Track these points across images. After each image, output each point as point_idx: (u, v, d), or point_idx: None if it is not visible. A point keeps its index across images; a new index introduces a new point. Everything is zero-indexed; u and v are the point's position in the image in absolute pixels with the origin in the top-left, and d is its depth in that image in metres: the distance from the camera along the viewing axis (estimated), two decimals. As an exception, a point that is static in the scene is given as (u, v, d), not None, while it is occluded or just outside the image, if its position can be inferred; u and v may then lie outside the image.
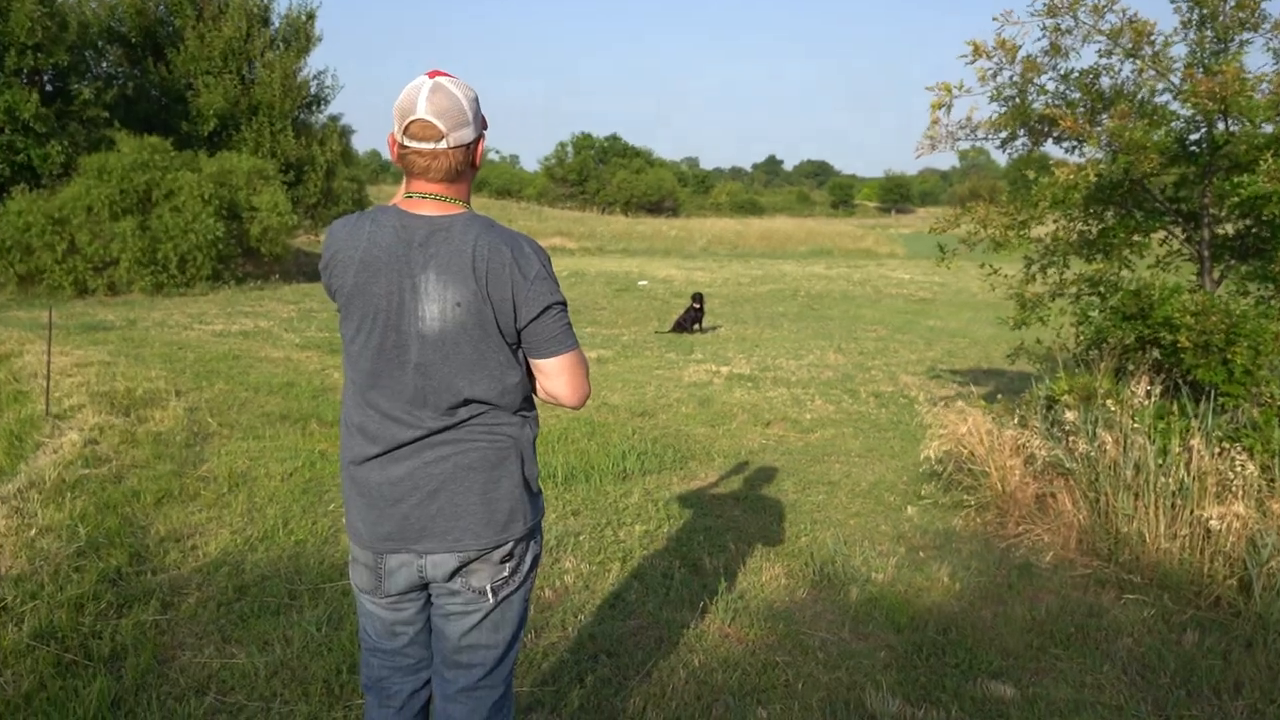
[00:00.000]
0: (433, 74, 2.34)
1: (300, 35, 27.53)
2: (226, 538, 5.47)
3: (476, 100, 2.40)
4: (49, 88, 22.46)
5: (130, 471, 6.70)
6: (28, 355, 11.48)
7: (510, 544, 2.50)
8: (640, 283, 22.57)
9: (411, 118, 2.27)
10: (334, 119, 28.67)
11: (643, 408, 9.20)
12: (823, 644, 4.26)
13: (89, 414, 8.22)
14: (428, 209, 2.34)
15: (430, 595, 2.60)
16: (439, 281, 2.30)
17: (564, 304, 2.45)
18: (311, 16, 27.90)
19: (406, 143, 2.30)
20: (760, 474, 6.97)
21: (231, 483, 6.49)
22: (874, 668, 4.06)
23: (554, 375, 2.46)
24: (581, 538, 5.54)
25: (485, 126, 2.47)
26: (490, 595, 2.50)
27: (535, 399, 2.59)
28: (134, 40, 25.40)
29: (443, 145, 2.29)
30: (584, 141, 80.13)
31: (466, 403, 2.41)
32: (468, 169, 2.41)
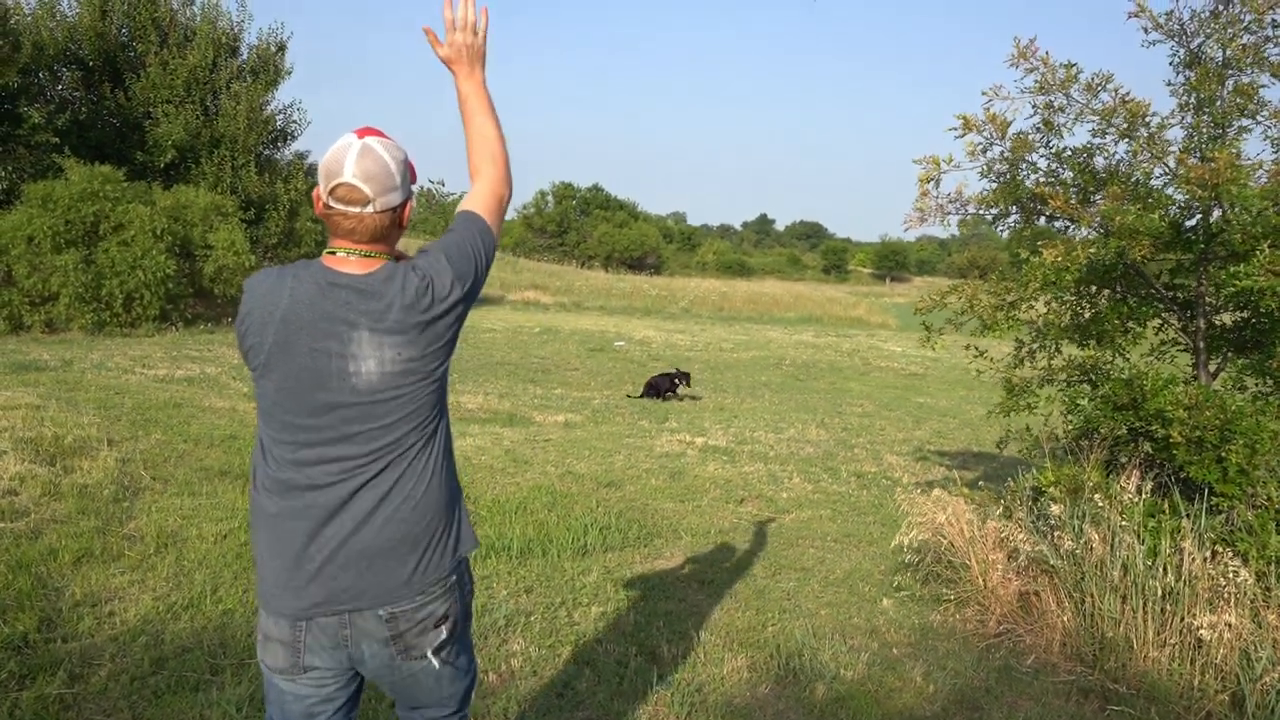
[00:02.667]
0: (362, 133, 2.40)
1: (269, 67, 27.69)
2: (148, 604, 5.38)
3: (406, 161, 2.48)
4: (-1, 109, 22.49)
5: (50, 527, 6.60)
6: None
7: (447, 604, 2.56)
8: (617, 343, 22.62)
9: (338, 180, 2.32)
10: (300, 155, 28.83)
11: (610, 478, 9.17)
12: (782, 748, 4.24)
13: (10, 461, 8.10)
14: (352, 266, 2.40)
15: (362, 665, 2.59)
16: (373, 340, 2.37)
17: (479, 235, 2.63)
18: (283, 48, 28.14)
19: (332, 204, 2.35)
20: (729, 555, 6.93)
21: (160, 543, 6.40)
22: (837, 776, 4.04)
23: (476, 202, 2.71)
24: (533, 618, 5.47)
25: (415, 182, 2.56)
26: (434, 658, 2.55)
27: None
28: (92, 64, 25.48)
29: (369, 210, 2.35)
30: (565, 191, 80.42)
31: (396, 446, 2.46)
32: (393, 229, 2.47)
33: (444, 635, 2.55)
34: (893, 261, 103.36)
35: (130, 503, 7.35)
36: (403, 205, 2.48)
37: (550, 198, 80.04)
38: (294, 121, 28.70)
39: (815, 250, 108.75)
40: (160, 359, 15.83)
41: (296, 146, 28.84)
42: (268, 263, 26.38)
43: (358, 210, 2.35)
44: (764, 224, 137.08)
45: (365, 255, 2.41)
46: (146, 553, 6.22)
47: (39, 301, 19.44)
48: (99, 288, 19.64)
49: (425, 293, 2.40)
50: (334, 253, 2.42)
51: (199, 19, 26.84)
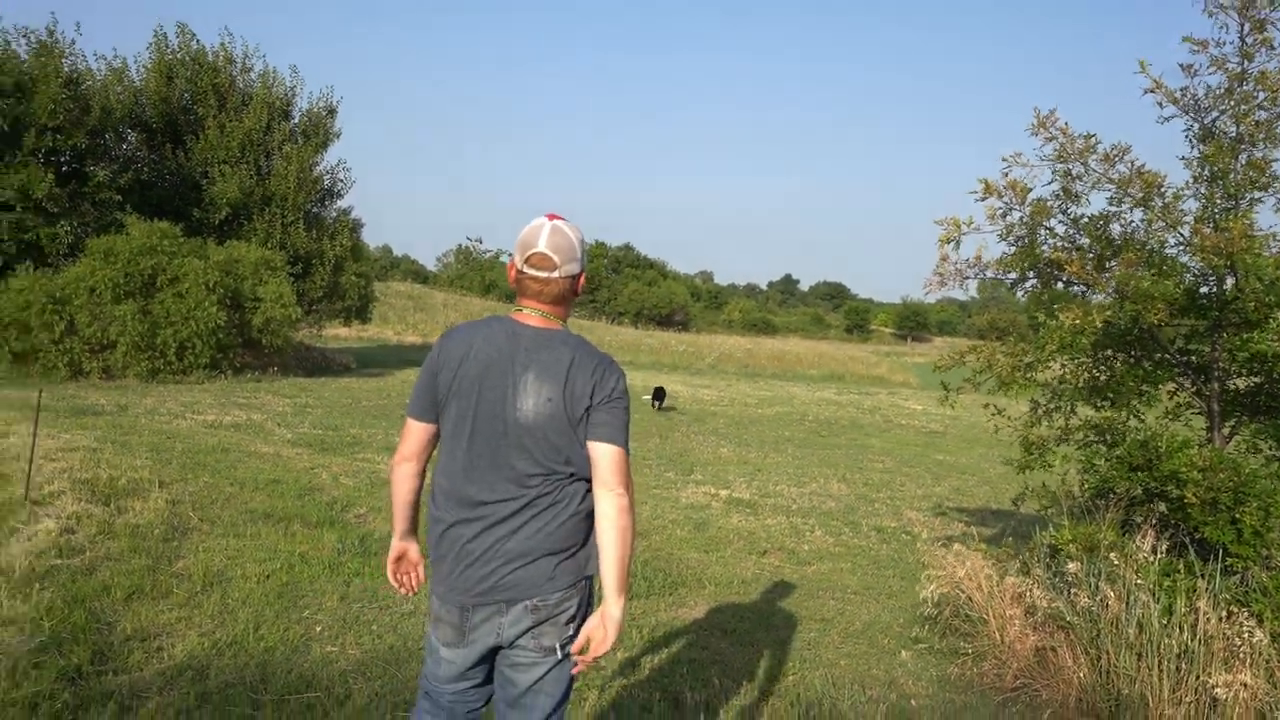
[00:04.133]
0: (551, 216, 2.90)
1: (320, 130, 28.05)
2: (194, 640, 5.39)
3: (583, 240, 2.96)
4: (65, 168, 22.84)
5: (104, 564, 6.63)
6: (13, 436, 11.48)
7: (575, 605, 2.91)
8: (644, 396, 22.56)
9: (533, 250, 2.83)
10: (345, 212, 29.00)
11: (637, 528, 9.14)
12: (804, 795, 4.19)
13: (68, 501, 8.18)
14: (535, 321, 2.88)
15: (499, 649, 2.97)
16: (537, 379, 2.79)
17: (627, 410, 2.88)
18: (333, 112, 28.48)
19: (525, 270, 2.86)
20: (752, 606, 6.88)
21: (206, 582, 6.42)
22: (856, 824, 3.98)
23: (601, 461, 2.79)
24: (563, 664, 5.47)
25: (585, 263, 2.99)
26: (558, 651, 2.88)
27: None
28: (155, 126, 25.90)
29: (555, 275, 2.85)
30: (597, 250, 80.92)
31: (550, 476, 2.82)
32: (570, 294, 2.95)
33: (570, 633, 2.88)
34: (914, 322, 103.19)
35: (179, 542, 7.39)
36: (579, 275, 2.95)
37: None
38: (340, 180, 28.98)
39: (838, 310, 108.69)
40: (209, 405, 15.96)
41: (341, 204, 29.03)
42: (313, 315, 26.61)
43: (545, 275, 2.85)
44: (789, 284, 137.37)
45: (545, 315, 2.90)
46: (194, 590, 6.25)
47: (98, 349, 19.67)
48: (154, 337, 19.85)
49: (591, 376, 2.80)
50: (521, 310, 2.92)
51: (256, 85, 27.28)
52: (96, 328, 19.59)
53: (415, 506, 3.15)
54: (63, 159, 22.74)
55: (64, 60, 22.82)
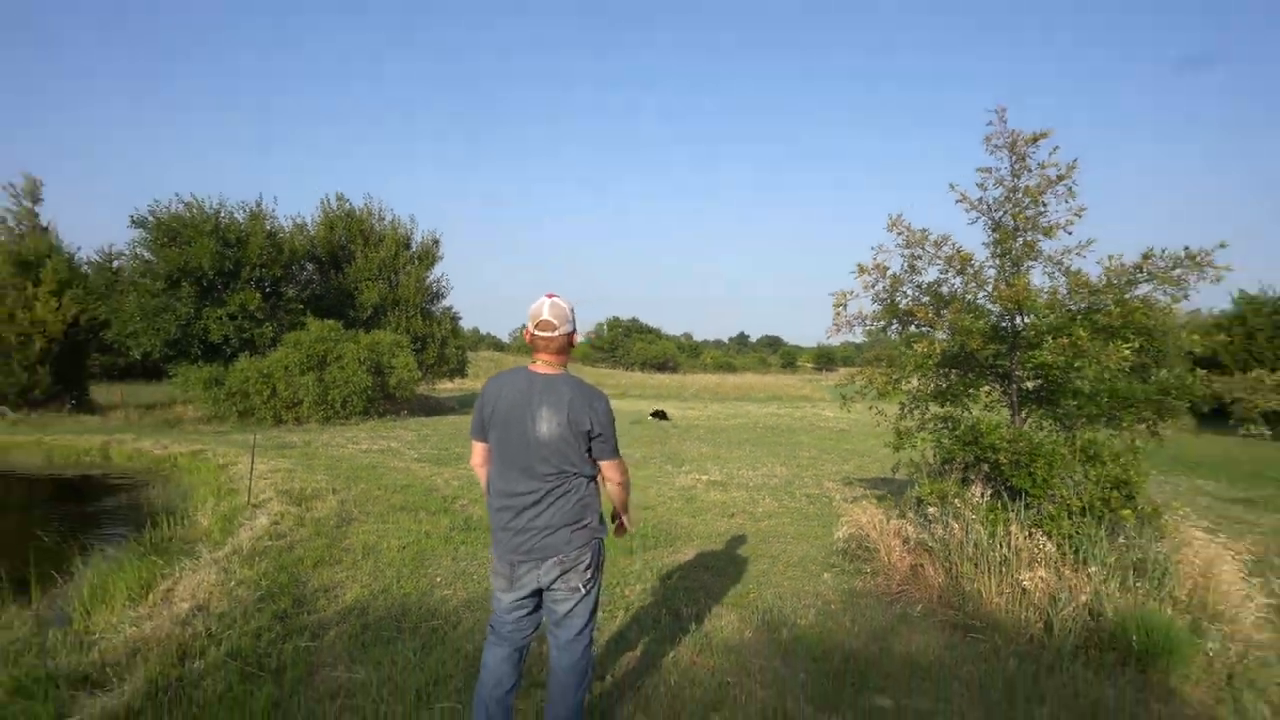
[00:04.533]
0: (549, 295, 3.01)
1: (429, 255, 28.41)
2: (357, 590, 5.46)
3: (573, 309, 3.07)
4: (268, 289, 23.14)
5: (298, 543, 6.71)
6: (240, 464, 11.64)
7: (589, 557, 3.04)
8: (648, 415, 22.60)
9: (540, 318, 2.98)
10: (448, 308, 29.23)
11: (646, 503, 9.16)
12: (761, 669, 4.21)
13: (275, 504, 8.27)
14: (544, 369, 3.02)
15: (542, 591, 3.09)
16: (548, 410, 2.93)
17: (613, 427, 3.06)
18: (437, 241, 28.86)
19: (536, 332, 2.99)
20: (725, 550, 6.90)
21: (364, 552, 6.48)
22: (796, 686, 4.01)
23: (607, 470, 3.11)
24: (602, 595, 5.49)
25: (576, 325, 3.10)
26: (582, 589, 3.05)
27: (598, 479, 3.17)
28: (323, 259, 26.31)
29: (556, 334, 2.98)
30: (615, 324, 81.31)
31: (561, 474, 2.96)
32: (567, 347, 3.06)
33: (588, 576, 3.04)
34: (826, 358, 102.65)
35: (346, 527, 7.45)
36: (572, 333, 3.05)
37: (605, 327, 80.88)
38: (443, 287, 29.25)
39: (776, 353, 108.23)
40: (363, 438, 16.02)
41: (445, 303, 29.23)
42: (428, 375, 26.72)
43: (549, 335, 2.97)
44: (742, 338, 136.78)
45: (550, 364, 3.03)
46: (356, 558, 6.31)
47: (291, 405, 19.81)
48: (326, 395, 19.98)
49: (585, 405, 2.96)
50: (535, 362, 3.04)
51: (387, 228, 27.67)
52: (289, 391, 19.75)
53: None
54: (266, 284, 23.05)
55: (266, 221, 23.21)
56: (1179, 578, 4.85)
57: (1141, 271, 5.38)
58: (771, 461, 13.72)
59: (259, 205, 23.26)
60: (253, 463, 9.76)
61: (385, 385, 21.85)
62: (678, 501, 9.41)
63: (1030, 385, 6.09)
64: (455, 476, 10.81)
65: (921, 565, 5.54)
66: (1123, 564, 4.88)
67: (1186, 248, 5.23)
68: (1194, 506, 8.76)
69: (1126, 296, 5.40)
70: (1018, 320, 5.88)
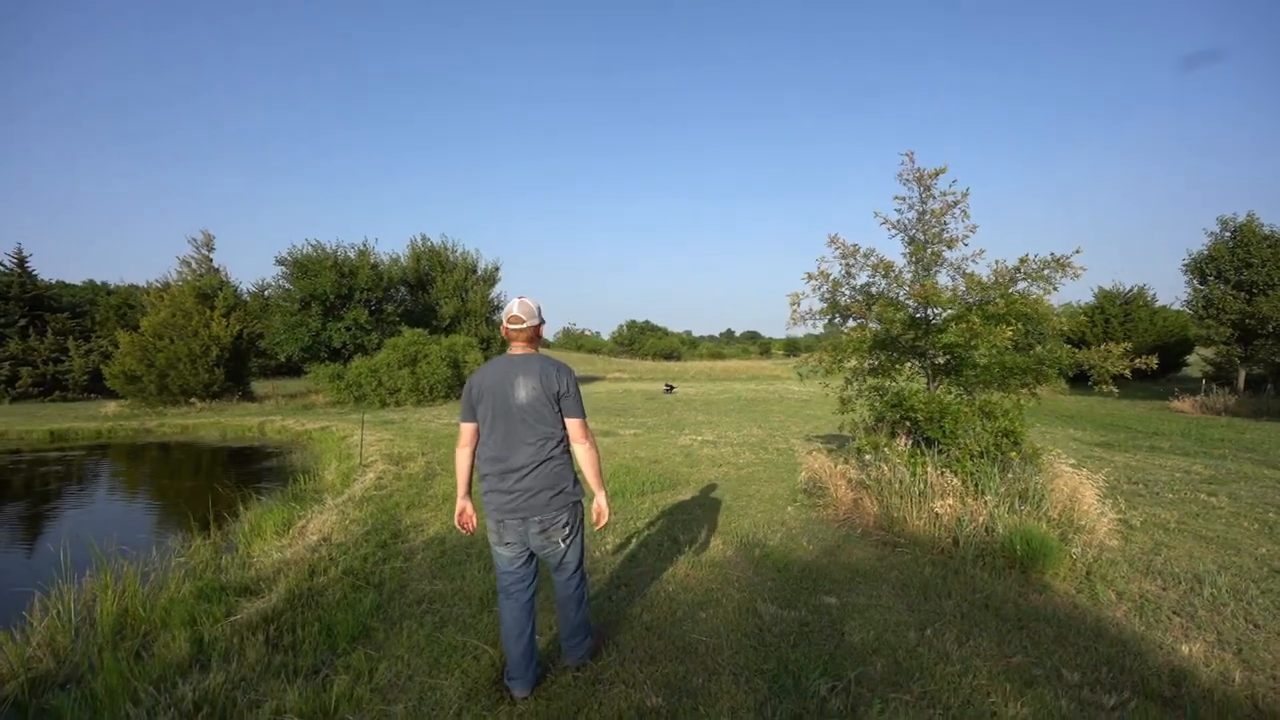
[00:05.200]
0: (519, 298, 2.78)
1: (492, 275, 28.47)
2: (439, 526, 5.50)
3: (540, 307, 2.79)
4: (372, 308, 23.31)
5: (395, 493, 6.77)
6: (354, 436, 11.72)
7: (566, 516, 2.74)
8: (663, 388, 22.54)
9: (511, 314, 2.75)
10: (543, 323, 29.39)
11: (654, 458, 9.16)
12: (738, 579, 4.21)
13: (379, 464, 8.35)
14: (519, 352, 2.76)
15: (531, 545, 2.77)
16: (524, 379, 2.67)
17: (579, 393, 2.75)
18: (498, 268, 28.91)
19: (509, 325, 2.75)
20: (714, 492, 6.90)
21: (443, 499, 6.52)
22: (764, 590, 4.01)
23: (573, 428, 2.72)
24: (617, 526, 5.50)
25: (542, 318, 2.81)
26: (562, 543, 2.76)
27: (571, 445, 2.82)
28: (411, 283, 26.46)
29: (525, 325, 2.74)
30: (633, 325, 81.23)
31: (541, 441, 2.65)
32: (536, 336, 2.80)
33: (566, 532, 2.75)
34: (793, 346, 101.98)
35: (430, 480, 7.51)
36: (539, 325, 2.78)
37: (625, 327, 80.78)
38: (503, 300, 29.31)
39: (756, 344, 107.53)
40: (444, 415, 16.11)
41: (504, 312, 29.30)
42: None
43: (519, 326, 2.73)
44: (729, 333, 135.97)
45: (524, 349, 2.76)
46: (438, 503, 6.36)
47: (392, 392, 19.93)
48: (418, 384, 20.11)
49: (555, 376, 2.70)
50: (512, 348, 2.77)
51: (459, 258, 27.75)
52: (391, 382, 19.89)
53: (470, 477, 2.85)
54: (371, 303, 23.21)
55: (370, 256, 23.36)
56: (1052, 502, 4.80)
57: (1020, 272, 5.30)
58: (751, 425, 13.66)
59: (365, 244, 23.45)
60: (363, 435, 9.87)
61: (460, 375, 21.99)
62: (679, 456, 9.40)
63: (940, 361, 6.02)
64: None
65: (861, 499, 5.51)
66: (1011, 493, 4.84)
67: (1052, 253, 5.17)
68: (1064, 448, 8.68)
69: (1010, 291, 5.32)
70: (929, 312, 5.81)
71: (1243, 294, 19.52)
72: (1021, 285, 5.36)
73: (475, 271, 28.20)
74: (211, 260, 25.89)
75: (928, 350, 5.93)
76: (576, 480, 2.80)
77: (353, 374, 19.89)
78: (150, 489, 9.29)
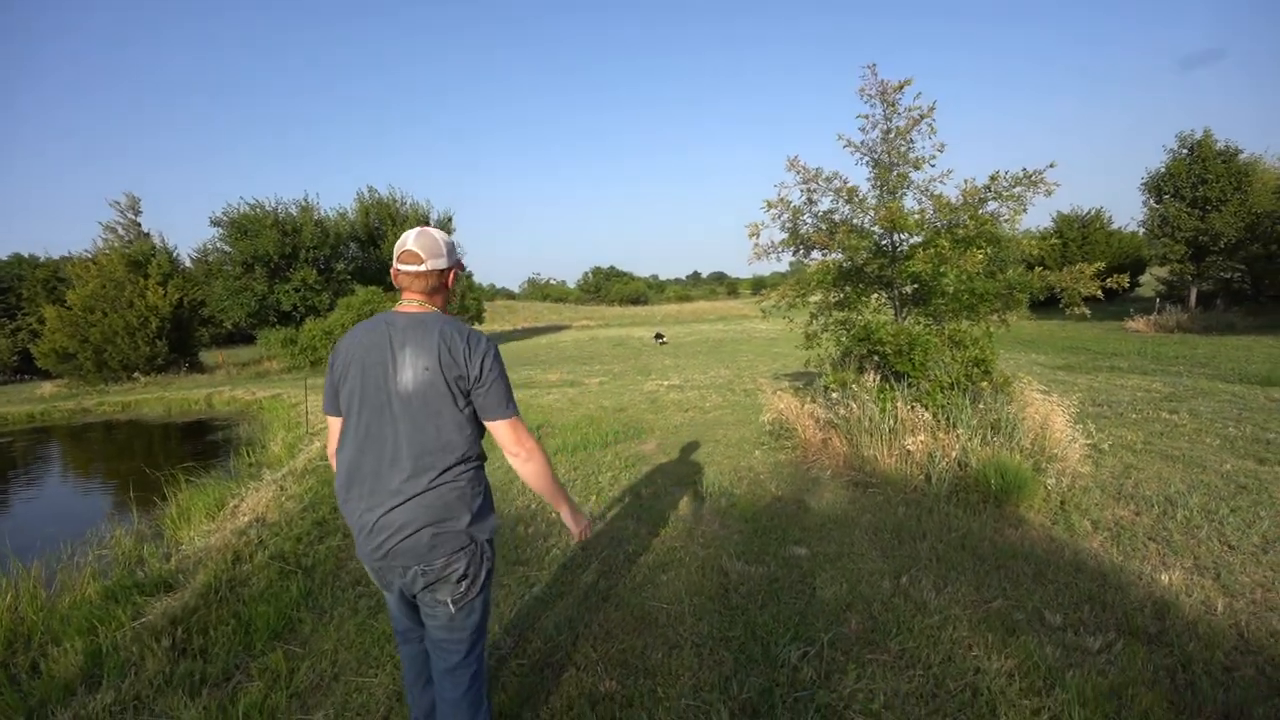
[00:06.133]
0: (421, 228, 1.82)
1: (445, 227, 27.34)
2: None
3: (451, 244, 1.85)
4: (321, 266, 22.22)
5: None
6: (302, 404, 11.16)
7: (462, 566, 1.73)
8: (653, 338, 22.16)
9: (403, 248, 1.77)
10: (462, 268, 28.46)
11: (619, 407, 8.87)
12: (703, 534, 3.94)
13: (326, 430, 7.89)
14: (410, 309, 1.77)
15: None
16: (413, 352, 1.69)
17: (503, 377, 1.77)
18: (450, 218, 27.76)
19: (399, 266, 1.78)
20: (678, 438, 6.62)
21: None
22: (730, 545, 3.74)
23: (500, 434, 1.76)
24: (577, 483, 5.19)
25: (458, 262, 1.87)
26: (451, 604, 1.75)
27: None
28: (362, 238, 25.21)
29: (423, 268, 1.76)
30: (598, 271, 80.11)
31: (432, 452, 1.68)
32: (441, 288, 1.83)
33: (461, 590, 1.76)
34: (760, 285, 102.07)
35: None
36: (448, 270, 1.82)
37: (591, 274, 79.67)
38: (460, 251, 28.32)
39: (722, 284, 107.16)
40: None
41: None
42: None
43: (414, 269, 1.76)
44: (696, 276, 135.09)
45: (421, 304, 1.78)
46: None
47: (348, 355, 19.29)
48: (376, 344, 19.46)
49: (462, 348, 1.71)
50: (400, 302, 1.80)
51: (409, 210, 26.49)
52: (347, 344, 19.22)
53: None
54: (320, 262, 22.11)
55: (314, 212, 22.09)
56: (1024, 431, 4.62)
57: (990, 190, 4.96)
58: (718, 367, 13.44)
59: (306, 200, 22.16)
60: (307, 400, 9.33)
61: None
62: (644, 403, 9.11)
63: (908, 290, 5.73)
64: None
65: (829, 439, 5.27)
66: (983, 425, 4.64)
67: (1024, 168, 4.82)
68: (1030, 374, 8.61)
69: (980, 212, 4.99)
70: (896, 238, 5.48)
71: (1196, 211, 19.73)
72: (992, 206, 5.03)
73: (428, 222, 26.99)
74: (140, 225, 24.18)
75: (895, 280, 5.62)
76: (486, 507, 1.79)
77: (305, 337, 19.04)
78: (82, 473, 8.69)
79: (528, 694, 2.45)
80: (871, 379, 5.31)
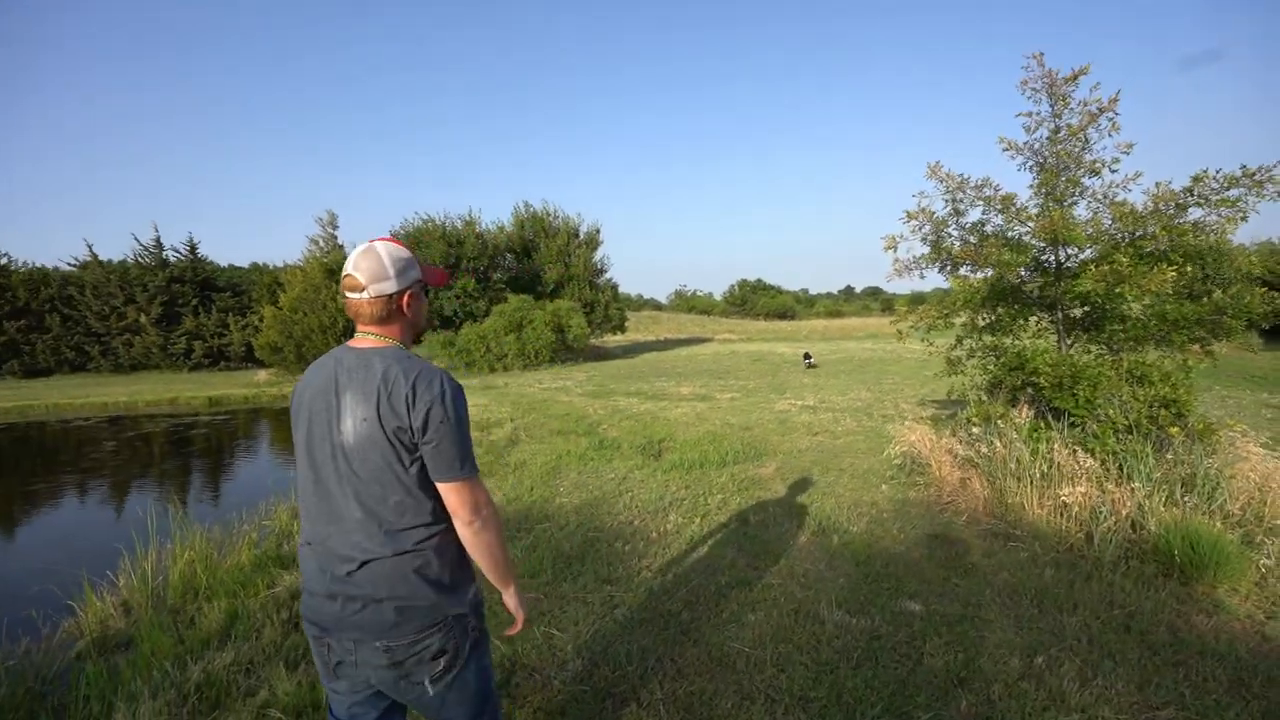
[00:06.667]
0: (373, 240, 1.52)
1: (593, 241, 28.44)
2: (499, 497, 5.34)
3: (405, 260, 1.53)
4: (479, 275, 24.17)
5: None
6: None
7: (437, 641, 1.45)
8: (802, 357, 21.56)
9: (344, 273, 1.51)
10: (609, 279, 29.35)
11: (746, 425, 8.59)
12: (805, 573, 3.64)
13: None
14: (364, 344, 1.51)
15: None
16: (353, 400, 1.43)
17: (458, 429, 1.43)
18: (598, 230, 28.84)
19: (344, 294, 1.53)
20: (800, 464, 6.24)
21: (515, 467, 6.41)
22: (833, 589, 3.41)
23: (449, 498, 1.44)
24: (685, 502, 5.04)
25: (416, 281, 1.55)
26: (430, 685, 1.46)
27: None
28: (517, 250, 27.01)
29: (365, 295, 1.49)
30: (744, 284, 79.34)
31: (385, 514, 1.42)
32: (396, 314, 1.53)
33: (439, 668, 1.47)
34: (919, 302, 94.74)
35: (512, 448, 7.46)
36: (399, 294, 1.51)
37: (737, 287, 79.07)
38: (605, 264, 29.28)
39: (876, 300, 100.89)
40: (546, 380, 16.37)
41: (606, 275, 29.22)
42: (595, 331, 26.91)
43: (356, 296, 1.50)
44: (849, 290, 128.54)
45: (375, 336, 1.52)
46: (507, 472, 6.23)
47: (499, 357, 20.67)
48: (523, 349, 20.65)
49: (405, 389, 1.41)
50: (357, 335, 1.54)
51: (561, 223, 27.97)
52: (498, 348, 20.59)
53: None
54: (478, 271, 24.04)
55: (476, 226, 24.15)
56: (1232, 492, 3.73)
57: (1192, 195, 4.10)
58: (859, 389, 12.62)
59: (470, 214, 24.25)
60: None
61: (565, 340, 22.29)
62: (772, 423, 8.75)
63: (1076, 314, 4.92)
64: (605, 406, 10.69)
65: (968, 479, 4.66)
66: (1169, 480, 3.82)
67: (1244, 166, 3.90)
68: (1256, 421, 7.04)
69: (1176, 222, 4.14)
70: (1062, 252, 4.73)
71: None
72: (1196, 214, 4.16)
73: (577, 236, 28.31)
74: (336, 237, 27.94)
75: (1059, 301, 4.84)
76: (459, 577, 1.50)
77: (463, 340, 20.81)
78: (279, 449, 10.13)
79: (584, 725, 2.37)
80: (1023, 414, 4.61)
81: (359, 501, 1.43)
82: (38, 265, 27.59)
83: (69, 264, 28.07)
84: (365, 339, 1.52)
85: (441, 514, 1.48)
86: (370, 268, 1.49)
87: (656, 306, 79.63)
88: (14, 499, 7.66)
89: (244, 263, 43.77)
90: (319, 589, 1.46)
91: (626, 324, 30.30)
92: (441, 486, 1.44)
